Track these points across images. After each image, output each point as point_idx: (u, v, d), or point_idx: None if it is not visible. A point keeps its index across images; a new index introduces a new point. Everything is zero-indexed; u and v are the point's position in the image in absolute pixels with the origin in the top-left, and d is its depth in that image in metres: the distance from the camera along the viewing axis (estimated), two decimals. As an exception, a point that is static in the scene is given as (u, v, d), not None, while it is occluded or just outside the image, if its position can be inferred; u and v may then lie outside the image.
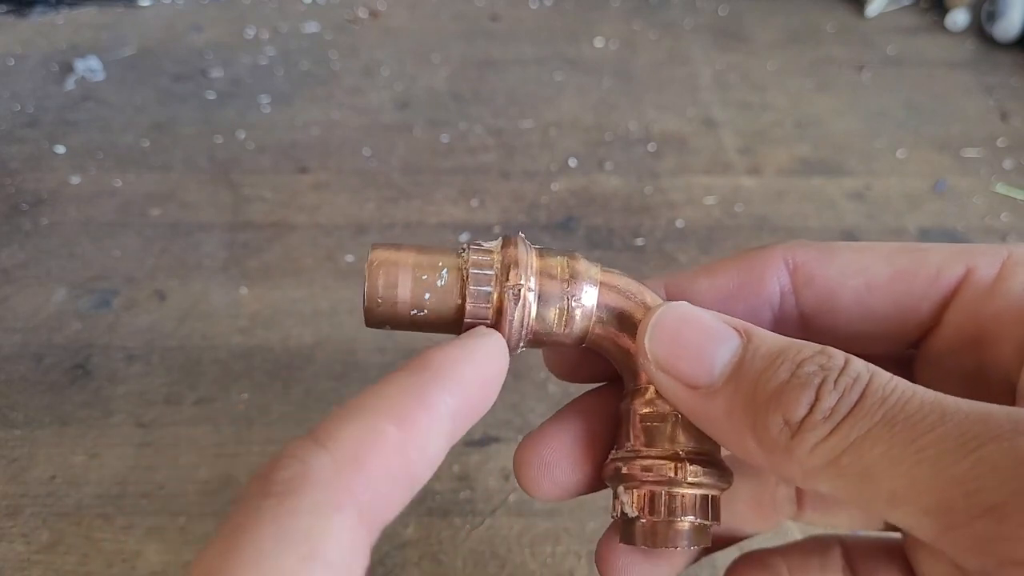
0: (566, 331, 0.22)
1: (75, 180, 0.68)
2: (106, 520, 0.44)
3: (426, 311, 0.21)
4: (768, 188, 0.68)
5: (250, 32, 0.90)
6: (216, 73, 0.83)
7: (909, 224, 0.65)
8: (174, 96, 0.79)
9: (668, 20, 0.94)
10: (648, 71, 0.85)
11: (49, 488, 0.45)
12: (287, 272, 0.59)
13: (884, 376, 0.18)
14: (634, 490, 0.22)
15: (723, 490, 0.22)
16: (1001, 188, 0.69)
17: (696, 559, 0.26)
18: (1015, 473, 0.15)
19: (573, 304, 0.21)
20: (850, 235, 0.64)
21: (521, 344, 0.22)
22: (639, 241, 0.63)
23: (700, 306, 0.22)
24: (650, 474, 0.21)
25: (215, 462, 0.47)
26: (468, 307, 0.21)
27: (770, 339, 0.20)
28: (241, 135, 0.74)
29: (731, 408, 0.19)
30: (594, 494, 0.25)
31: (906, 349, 0.24)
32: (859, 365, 0.18)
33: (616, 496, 0.22)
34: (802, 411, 0.18)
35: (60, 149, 0.72)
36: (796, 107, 0.79)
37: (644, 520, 0.21)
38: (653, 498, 0.21)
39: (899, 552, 0.25)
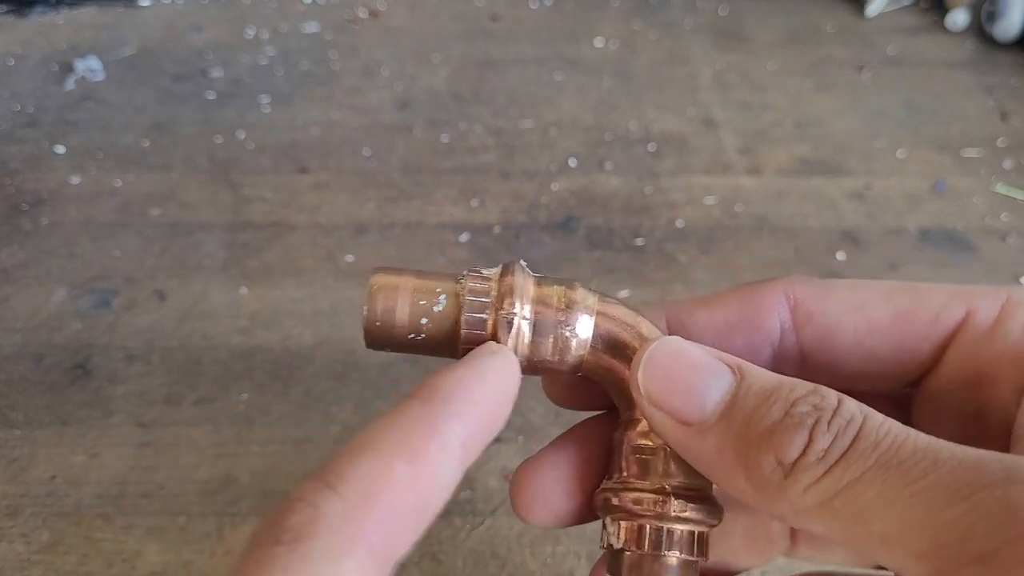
0: (561, 360, 0.22)
1: (75, 180, 0.68)
2: (106, 520, 0.44)
3: (423, 335, 0.21)
4: (768, 188, 0.68)
5: (250, 32, 0.90)
6: (216, 73, 0.83)
7: (909, 224, 0.65)
8: (174, 96, 0.79)
9: (668, 20, 0.94)
10: (648, 71, 0.85)
11: (49, 488, 0.45)
12: (287, 272, 0.59)
13: (878, 418, 0.18)
14: (621, 522, 0.22)
15: (712, 526, 0.22)
16: (1001, 188, 0.69)
17: None
18: (1006, 521, 0.15)
19: (568, 334, 0.21)
20: (850, 235, 0.64)
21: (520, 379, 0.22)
22: (639, 241, 0.63)
23: (699, 338, 0.22)
24: (639, 507, 0.21)
25: (215, 462, 0.47)
26: (463, 334, 0.21)
27: (763, 377, 0.20)
28: (241, 135, 0.74)
29: (723, 446, 0.19)
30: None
31: (905, 388, 0.24)
32: (852, 406, 0.18)
33: (604, 527, 0.22)
34: (795, 452, 0.18)
35: (60, 149, 0.72)
36: (796, 107, 0.79)
37: (630, 552, 0.21)
38: (640, 531, 0.21)
39: None
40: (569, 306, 0.22)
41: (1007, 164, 0.72)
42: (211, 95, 0.80)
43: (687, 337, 0.22)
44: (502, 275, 0.22)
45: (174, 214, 0.65)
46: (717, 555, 0.23)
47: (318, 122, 0.76)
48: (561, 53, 0.88)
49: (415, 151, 0.72)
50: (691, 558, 0.21)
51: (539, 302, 0.21)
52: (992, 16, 0.87)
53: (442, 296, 0.21)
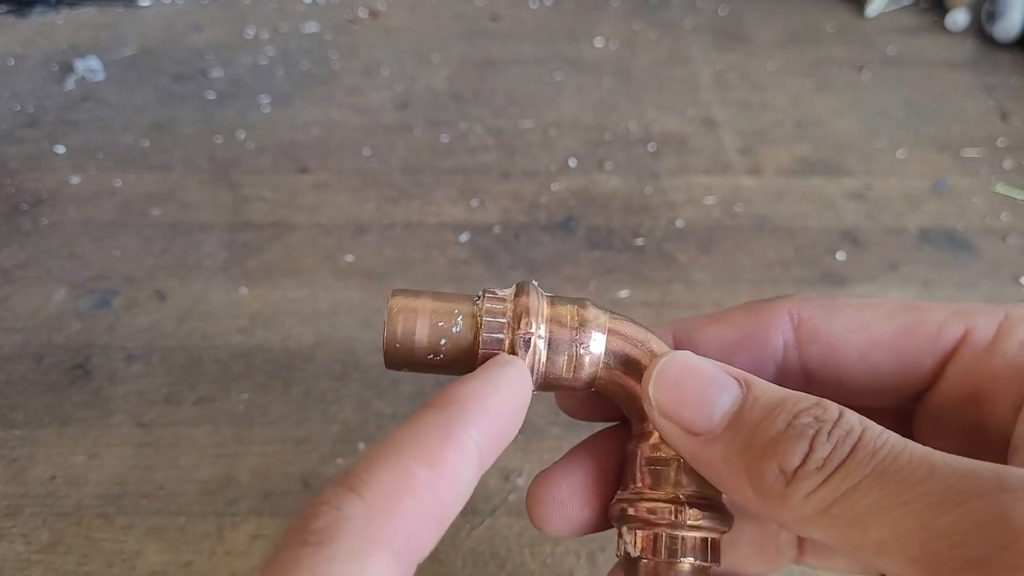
0: (575, 376, 0.23)
1: (75, 180, 0.68)
2: (106, 520, 0.44)
3: (442, 356, 0.22)
4: (768, 188, 0.68)
5: (250, 32, 0.90)
6: (216, 73, 0.83)
7: (909, 224, 0.65)
8: (174, 96, 0.79)
9: (668, 20, 0.94)
10: (648, 71, 0.85)
11: (49, 488, 0.45)
12: (287, 272, 0.60)
13: (876, 429, 0.18)
14: (637, 531, 0.22)
15: (723, 533, 0.23)
16: (1001, 188, 0.69)
17: None
18: (998, 529, 0.15)
19: (582, 351, 0.22)
20: (850, 235, 0.64)
21: (532, 389, 0.22)
22: (639, 241, 0.63)
23: (706, 354, 0.23)
24: (653, 516, 0.22)
25: (215, 462, 0.47)
26: (481, 353, 0.22)
27: (769, 390, 0.21)
28: (241, 135, 0.74)
29: (729, 455, 0.20)
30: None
31: (906, 403, 0.25)
32: (852, 418, 0.19)
33: (620, 535, 0.23)
34: (796, 460, 0.18)
35: (60, 149, 0.72)
36: (796, 107, 0.79)
37: (646, 560, 0.22)
38: (656, 540, 0.22)
39: None
40: (582, 324, 0.22)
41: (1007, 164, 0.72)
42: (211, 95, 0.80)
43: (694, 352, 0.22)
44: (517, 295, 0.22)
45: (174, 214, 0.65)
46: (727, 563, 0.24)
47: (318, 122, 0.76)
48: (561, 53, 0.88)
49: (415, 151, 0.72)
50: (704, 564, 0.22)
51: (553, 321, 0.22)
52: (992, 16, 0.87)
53: (459, 317, 0.22)
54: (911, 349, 0.23)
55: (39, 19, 0.92)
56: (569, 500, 0.24)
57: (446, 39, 0.90)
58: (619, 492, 0.24)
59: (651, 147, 0.73)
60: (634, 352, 0.23)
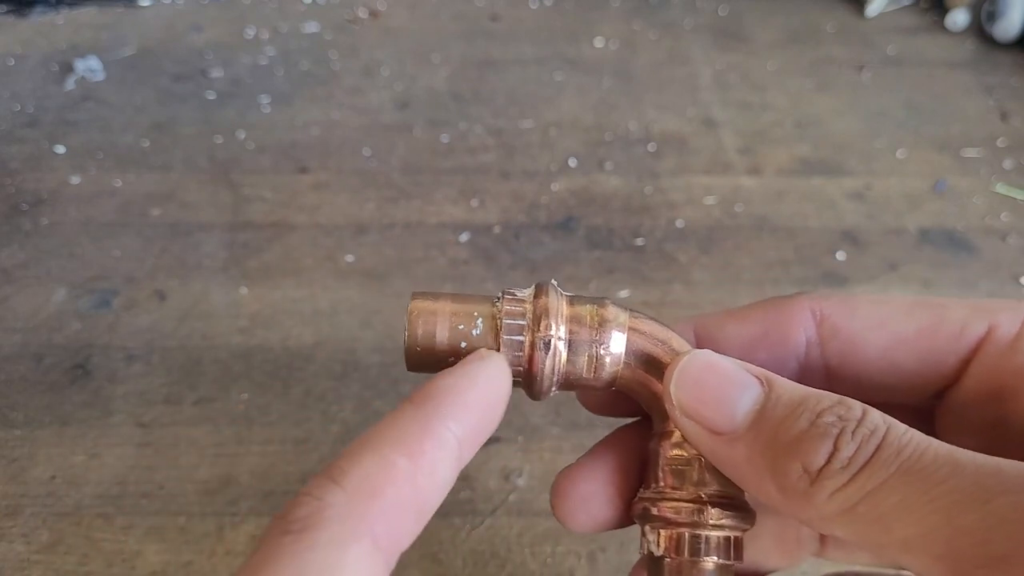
0: (596, 376, 0.23)
1: (75, 180, 0.68)
2: (106, 520, 0.44)
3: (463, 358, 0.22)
4: (768, 188, 0.68)
5: (250, 32, 0.90)
6: (216, 73, 0.83)
7: (909, 224, 0.65)
8: (174, 96, 0.79)
9: (668, 20, 0.94)
10: (648, 71, 0.85)
11: (49, 488, 0.45)
12: (287, 272, 0.60)
13: (900, 428, 0.18)
14: (660, 530, 0.23)
15: (745, 531, 0.23)
16: (1001, 188, 0.69)
17: None
18: (1023, 526, 0.15)
19: (602, 351, 0.22)
20: (850, 235, 0.64)
21: (553, 389, 0.23)
22: (639, 241, 0.63)
23: (727, 351, 0.23)
24: (676, 515, 0.22)
25: (215, 462, 0.47)
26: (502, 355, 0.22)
27: (790, 388, 0.21)
28: (241, 135, 0.74)
29: (752, 454, 0.20)
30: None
31: (928, 400, 0.25)
32: (876, 417, 0.19)
33: (643, 534, 0.23)
34: (821, 460, 0.18)
35: (60, 149, 0.72)
36: (796, 107, 0.79)
37: (670, 559, 0.22)
38: (679, 539, 0.22)
39: None
40: (602, 324, 0.22)
41: (1007, 164, 0.72)
42: (211, 95, 0.80)
43: (716, 350, 0.23)
44: (536, 296, 0.23)
45: (174, 214, 0.65)
46: (749, 557, 0.24)
47: (318, 122, 0.76)
48: (561, 53, 0.88)
49: (415, 151, 0.72)
50: (727, 562, 0.22)
51: (573, 320, 0.22)
52: (992, 16, 0.87)
53: (479, 320, 0.22)
54: (934, 347, 0.23)
55: (39, 19, 0.92)
56: (593, 497, 0.24)
57: (446, 39, 0.90)
58: (641, 491, 0.24)
59: (651, 147, 0.73)
60: (655, 351, 0.23)
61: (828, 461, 0.18)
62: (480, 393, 0.20)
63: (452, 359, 0.22)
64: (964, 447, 0.17)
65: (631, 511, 0.24)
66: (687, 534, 0.22)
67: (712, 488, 0.22)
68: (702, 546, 0.22)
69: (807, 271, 0.60)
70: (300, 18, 0.93)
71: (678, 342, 0.23)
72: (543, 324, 0.22)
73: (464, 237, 0.63)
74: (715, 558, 0.22)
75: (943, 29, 0.92)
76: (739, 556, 0.23)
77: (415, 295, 0.23)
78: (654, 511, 0.23)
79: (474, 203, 0.66)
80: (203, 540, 0.43)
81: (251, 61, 0.85)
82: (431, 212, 0.65)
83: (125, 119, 0.76)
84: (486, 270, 0.59)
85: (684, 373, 0.22)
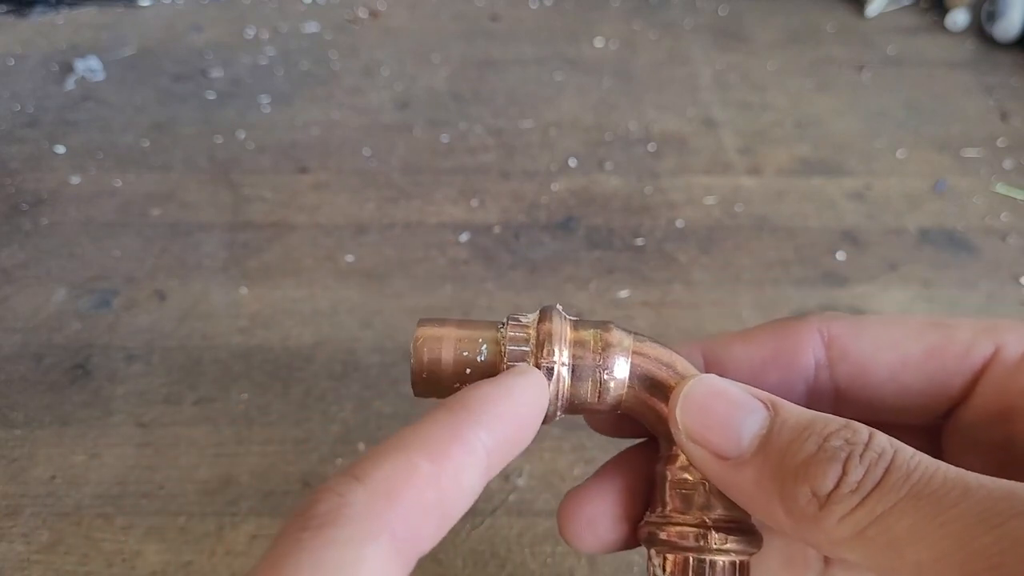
0: (600, 400, 0.23)
1: (75, 180, 0.68)
2: (106, 520, 0.44)
3: (468, 383, 0.22)
4: (768, 188, 0.68)
5: (250, 32, 0.90)
6: (216, 73, 0.83)
7: (909, 224, 0.65)
8: (174, 96, 0.79)
9: (668, 20, 0.94)
10: (648, 71, 0.85)
11: (49, 488, 0.45)
12: (287, 272, 0.60)
13: (907, 451, 0.18)
14: (666, 554, 0.23)
15: (752, 554, 0.23)
16: (1001, 188, 0.69)
17: None
18: None
19: (606, 376, 0.23)
20: (850, 235, 0.64)
21: (558, 413, 0.23)
22: (639, 241, 0.63)
23: (735, 373, 0.23)
24: (681, 540, 0.22)
25: (215, 462, 0.47)
26: None
27: (796, 412, 0.21)
28: (241, 135, 0.74)
29: (759, 478, 0.20)
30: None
31: (935, 420, 0.25)
32: (883, 440, 0.19)
33: (649, 558, 0.23)
34: (830, 484, 0.18)
35: (60, 149, 0.72)
36: (796, 107, 0.79)
37: None
38: (685, 563, 0.22)
39: None
40: (606, 349, 0.23)
41: (1007, 164, 0.72)
42: (211, 95, 0.80)
43: (723, 372, 0.23)
44: (540, 321, 0.23)
45: (174, 214, 0.65)
46: None
47: (318, 122, 0.76)
48: (561, 53, 0.88)
49: (415, 151, 0.72)
50: None
51: (576, 346, 0.23)
52: (992, 16, 0.87)
53: (484, 345, 0.22)
54: (941, 368, 0.23)
55: (39, 19, 0.92)
56: (600, 519, 0.24)
57: (446, 39, 0.90)
58: (647, 514, 0.24)
59: (651, 147, 0.73)
60: (660, 374, 0.23)
61: (837, 485, 0.18)
62: (514, 405, 0.20)
63: (458, 385, 0.22)
64: (971, 467, 0.17)
65: (638, 535, 0.24)
66: (693, 559, 0.22)
67: (718, 512, 0.22)
68: (707, 570, 0.22)
69: (807, 271, 0.60)
70: (300, 18, 0.93)
71: (683, 365, 0.23)
72: (546, 350, 0.22)
73: (464, 237, 0.63)
74: None
75: (943, 29, 0.92)
76: None
77: (421, 322, 0.23)
78: (660, 535, 0.23)
79: (474, 203, 0.66)
80: (203, 540, 0.43)
81: (251, 61, 0.85)
82: (431, 212, 0.65)
83: (125, 119, 0.76)
84: (486, 270, 0.59)
85: (689, 398, 0.22)
